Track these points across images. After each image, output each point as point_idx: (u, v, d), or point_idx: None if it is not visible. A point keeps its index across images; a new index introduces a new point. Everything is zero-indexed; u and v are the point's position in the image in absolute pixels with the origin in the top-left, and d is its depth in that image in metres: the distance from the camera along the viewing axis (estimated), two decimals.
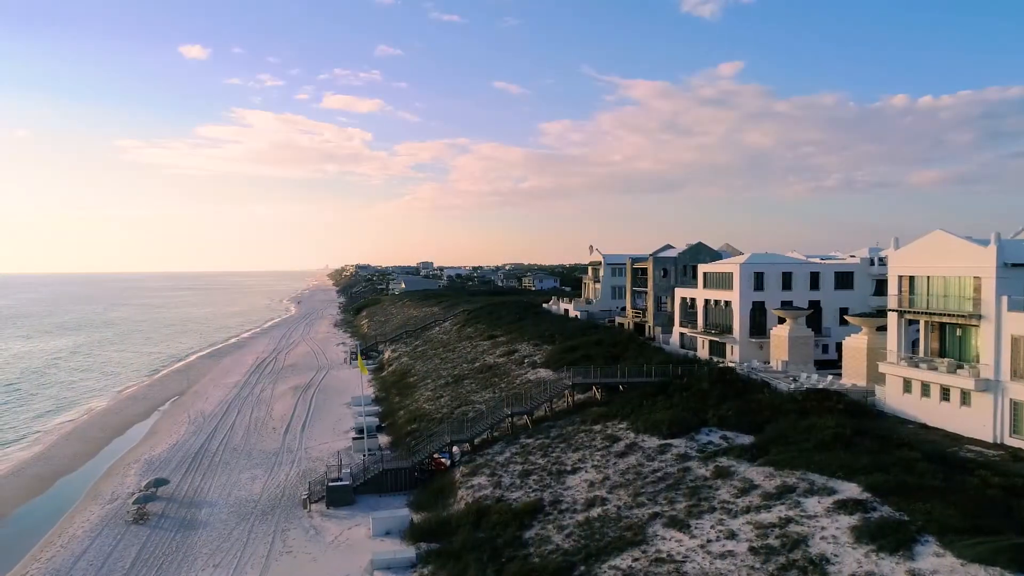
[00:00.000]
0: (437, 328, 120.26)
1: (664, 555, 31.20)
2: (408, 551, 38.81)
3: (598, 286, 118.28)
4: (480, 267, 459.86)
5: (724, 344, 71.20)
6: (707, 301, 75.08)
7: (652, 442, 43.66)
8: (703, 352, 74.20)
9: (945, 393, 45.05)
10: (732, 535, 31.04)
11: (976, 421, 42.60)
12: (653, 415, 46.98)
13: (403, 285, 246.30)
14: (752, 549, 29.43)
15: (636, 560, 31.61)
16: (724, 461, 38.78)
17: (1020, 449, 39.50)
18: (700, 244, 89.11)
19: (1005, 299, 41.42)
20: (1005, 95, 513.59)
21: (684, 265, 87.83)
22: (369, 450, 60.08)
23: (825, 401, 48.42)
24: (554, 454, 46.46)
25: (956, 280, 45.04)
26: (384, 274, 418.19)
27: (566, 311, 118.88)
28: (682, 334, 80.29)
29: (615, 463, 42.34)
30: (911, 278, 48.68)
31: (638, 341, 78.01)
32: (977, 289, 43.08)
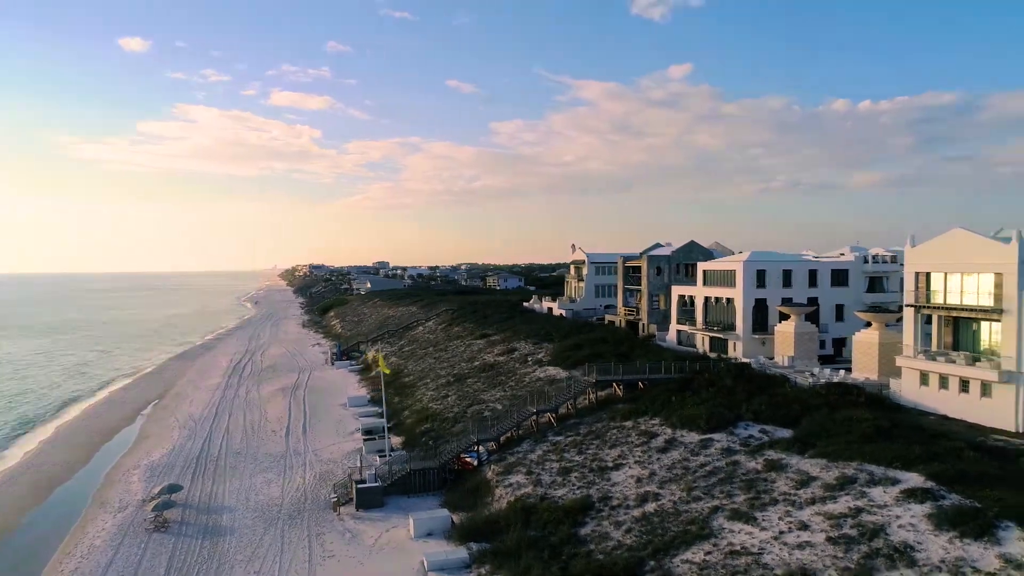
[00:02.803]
0: (421, 328, 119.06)
1: (738, 547, 31.50)
2: (460, 551, 38.26)
3: (582, 284, 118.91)
4: (437, 267, 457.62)
5: (726, 340, 72.38)
6: (707, 298, 76.19)
7: (692, 437, 44.05)
8: (703, 348, 75.28)
9: (964, 385, 46.66)
10: (804, 526, 31.53)
11: (998, 411, 44.23)
12: (686, 410, 47.39)
13: (368, 285, 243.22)
14: (830, 539, 29.94)
15: (709, 553, 31.84)
16: (772, 454, 39.38)
17: None
18: (692, 243, 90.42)
19: None
20: (939, 101, 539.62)
21: (677, 263, 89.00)
22: (380, 451, 59.17)
23: (847, 395, 49.65)
24: (590, 451, 46.45)
25: (975, 276, 46.70)
26: (343, 274, 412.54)
27: (550, 310, 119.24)
28: (679, 331, 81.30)
29: (658, 458, 42.57)
30: (928, 274, 50.25)
31: (638, 339, 78.71)
32: (998, 285, 44.75)
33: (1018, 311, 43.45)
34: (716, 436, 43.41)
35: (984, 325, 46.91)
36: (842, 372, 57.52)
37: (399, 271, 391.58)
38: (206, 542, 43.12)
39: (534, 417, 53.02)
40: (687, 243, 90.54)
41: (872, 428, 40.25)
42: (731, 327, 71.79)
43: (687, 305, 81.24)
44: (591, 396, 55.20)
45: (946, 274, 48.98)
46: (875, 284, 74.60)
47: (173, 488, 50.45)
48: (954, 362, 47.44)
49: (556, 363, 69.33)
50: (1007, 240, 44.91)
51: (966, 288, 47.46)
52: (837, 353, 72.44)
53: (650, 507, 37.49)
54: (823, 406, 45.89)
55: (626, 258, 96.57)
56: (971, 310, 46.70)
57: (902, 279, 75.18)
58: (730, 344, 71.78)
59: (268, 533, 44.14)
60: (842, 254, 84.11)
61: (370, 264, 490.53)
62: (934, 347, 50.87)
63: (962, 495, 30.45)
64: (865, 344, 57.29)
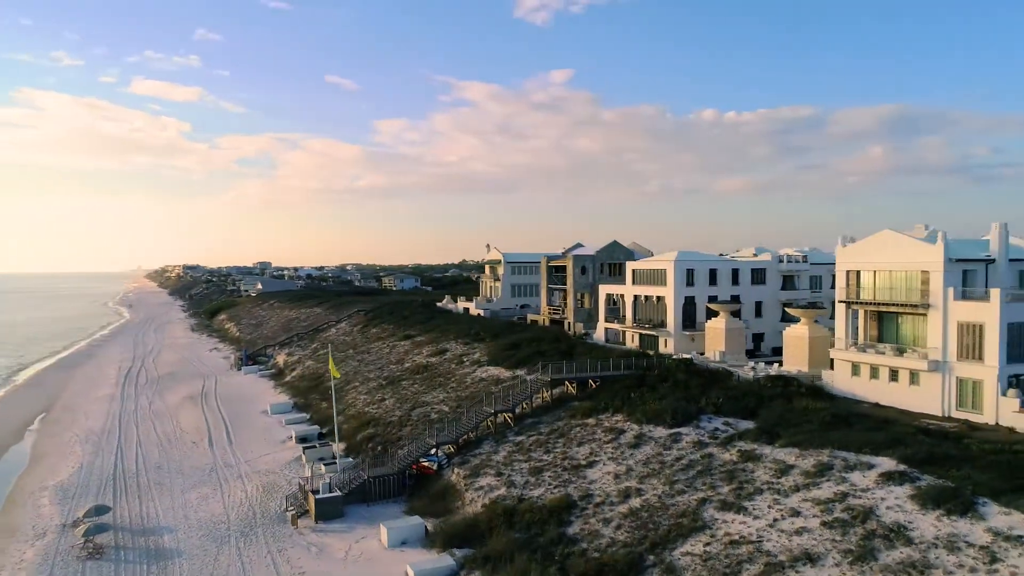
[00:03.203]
0: (333, 330, 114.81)
1: (736, 536, 32.43)
2: (444, 558, 37.08)
3: (499, 284, 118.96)
4: (323, 267, 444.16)
5: (657, 337, 74.66)
6: (637, 297, 78.28)
7: (660, 432, 45.00)
8: (632, 345, 77.25)
9: (894, 374, 50.56)
10: (796, 513, 32.92)
11: (926, 398, 48.23)
12: (647, 405, 48.36)
13: (260, 286, 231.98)
14: (825, 524, 31.42)
15: (708, 544, 32.58)
16: (743, 445, 40.90)
17: (967, 420, 45.26)
18: (615, 243, 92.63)
19: (951, 290, 47.36)
20: (796, 114, 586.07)
21: (601, 263, 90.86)
22: (323, 459, 56.54)
23: (788, 386, 52.68)
24: (557, 449, 46.41)
25: (903, 274, 50.70)
26: (224, 275, 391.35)
27: (466, 310, 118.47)
28: (607, 329, 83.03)
29: (631, 454, 43.16)
30: (858, 272, 54.02)
31: (571, 338, 79.65)
32: (925, 281, 48.84)
33: (944, 305, 47.59)
34: (683, 430, 44.59)
35: (909, 319, 51.02)
36: (776, 365, 60.79)
37: (286, 272, 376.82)
38: (153, 567, 39.35)
39: (492, 417, 52.33)
40: (610, 243, 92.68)
41: (829, 417, 42.80)
42: (662, 324, 74.12)
43: (614, 304, 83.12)
44: (544, 395, 55.20)
45: (875, 272, 52.85)
46: (788, 282, 79.44)
47: (101, 510, 45.67)
48: (883, 353, 51.30)
49: (496, 363, 68.86)
50: (932, 240, 49.08)
51: (894, 284, 51.44)
52: (756, 347, 76.46)
53: (635, 502, 37.91)
54: (776, 397, 48.32)
55: (550, 258, 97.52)
56: (900, 305, 50.62)
57: (811, 277, 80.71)
58: (661, 341, 74.10)
59: (222, 552, 40.88)
60: (737, 252, 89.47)
61: (252, 264, 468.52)
62: (860, 340, 54.76)
63: (934, 476, 32.88)
64: (796, 338, 60.80)
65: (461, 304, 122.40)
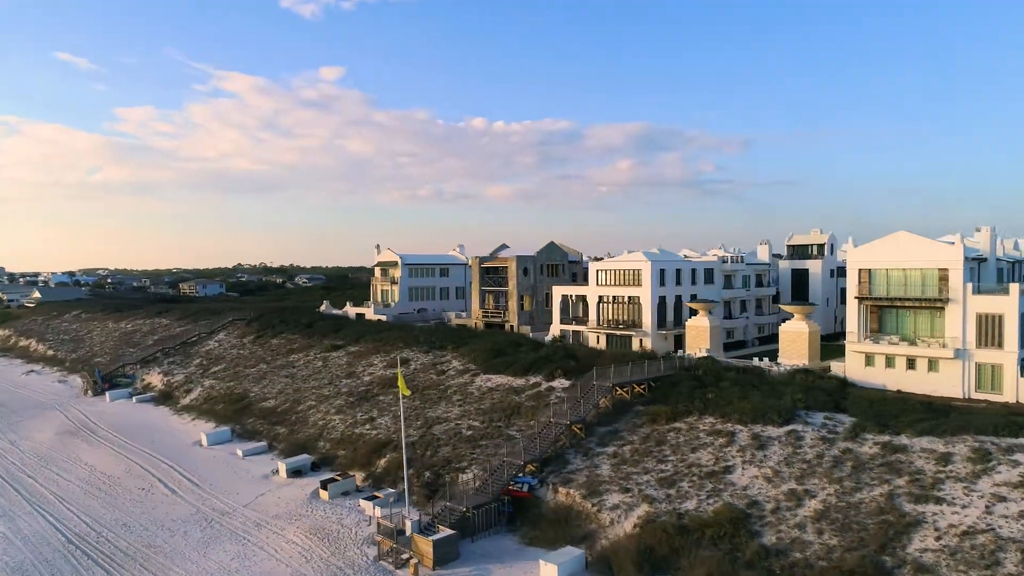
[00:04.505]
0: (212, 343, 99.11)
1: (964, 528, 33.05)
2: None
3: (395, 287, 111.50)
4: (73, 272, 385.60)
5: (630, 337, 74.74)
6: (602, 298, 77.72)
7: (774, 431, 44.70)
8: (599, 347, 76.59)
9: (911, 363, 55.58)
10: (1001, 498, 34.43)
11: (945, 383, 53.58)
12: (734, 405, 47.86)
13: (38, 295, 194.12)
14: None
15: (938, 539, 32.85)
16: (871, 438, 42.05)
17: (987, 400, 51.16)
18: (552, 244, 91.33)
19: (970, 285, 53.22)
20: (556, 127, 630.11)
21: (542, 264, 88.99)
22: (345, 493, 48.71)
23: (819, 378, 55.56)
24: (670, 457, 44.07)
25: (919, 272, 55.88)
26: None
27: (360, 315, 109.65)
28: (562, 331, 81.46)
29: (763, 456, 42.30)
30: (870, 271, 58.52)
31: (534, 341, 76.83)
32: (943, 278, 54.28)
33: (963, 300, 53.28)
34: (797, 427, 44.76)
35: (923, 312, 56.27)
36: (755, 359, 63.91)
37: (24, 277, 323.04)
38: None
39: (568, 428, 48.37)
40: (547, 244, 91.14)
41: (920, 405, 45.68)
42: (635, 324, 74.38)
43: (568, 305, 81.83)
44: (605, 401, 52.38)
45: (887, 270, 57.65)
46: (728, 281, 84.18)
47: None
48: (900, 344, 56.18)
49: (496, 371, 64.08)
50: (951, 243, 54.76)
51: (909, 281, 56.50)
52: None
53: (814, 504, 37.14)
54: (821, 390, 50.59)
55: (482, 259, 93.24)
56: (916, 300, 55.72)
57: (744, 276, 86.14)
58: (635, 341, 74.31)
59: None
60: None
61: None
62: (862, 332, 59.42)
63: None
64: (793, 334, 64.37)
65: (352, 309, 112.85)
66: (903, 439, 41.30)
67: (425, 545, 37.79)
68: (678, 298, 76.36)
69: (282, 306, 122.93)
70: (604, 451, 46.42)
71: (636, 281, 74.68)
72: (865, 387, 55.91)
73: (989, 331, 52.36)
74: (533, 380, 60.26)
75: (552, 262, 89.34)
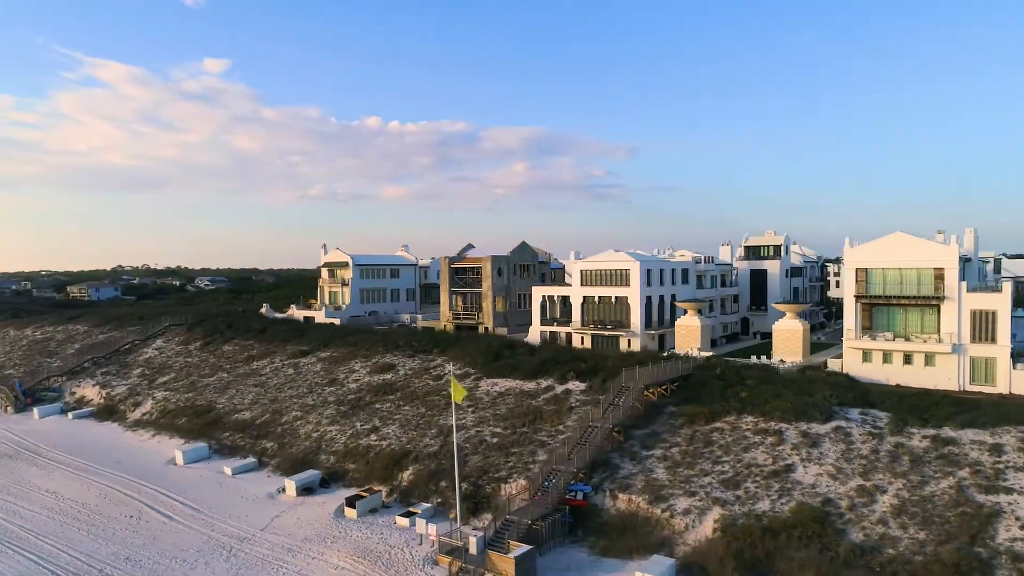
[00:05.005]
0: (151, 351, 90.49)
1: None
2: None
3: (345, 289, 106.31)
4: None
5: (617, 337, 74.36)
6: (587, 298, 76.94)
7: (819, 428, 45.20)
8: (583, 347, 75.80)
9: (907, 358, 58.15)
10: None
11: (941, 376, 56.45)
12: (776, 403, 48.13)
13: None
14: None
15: (1023, 527, 34.02)
16: (917, 431, 43.33)
17: (981, 392, 54.34)
18: (524, 244, 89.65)
19: (964, 284, 56.28)
20: (453, 128, 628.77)
21: (515, 264, 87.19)
22: (373, 510, 45.45)
23: (827, 375, 57.18)
24: (724, 458, 43.63)
25: (914, 271, 58.52)
26: None
27: (307, 318, 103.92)
28: (542, 332, 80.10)
29: (819, 453, 42.62)
30: (867, 270, 60.76)
31: (526, 343, 75.04)
32: (939, 277, 57.11)
33: (958, 297, 56.28)
34: (841, 424, 45.49)
35: (915, 310, 59.01)
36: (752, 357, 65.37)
37: None
38: None
39: (611, 432, 47.03)
40: (519, 245, 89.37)
41: (943, 399, 47.65)
42: (624, 324, 74.11)
43: (547, 306, 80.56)
44: (637, 403, 51.40)
45: (884, 269, 60.07)
46: (700, 280, 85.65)
47: None
48: (891, 340, 58.68)
49: (499, 375, 61.81)
50: (946, 243, 57.68)
51: (905, 280, 59.10)
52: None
53: (889, 500, 37.68)
54: (835, 385, 52.00)
55: (452, 259, 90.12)
56: (911, 298, 58.36)
57: (713, 276, 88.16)
58: (623, 341, 74.01)
59: None
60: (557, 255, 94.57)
61: None
62: (856, 330, 61.73)
63: None
64: (788, 331, 66.02)
65: (298, 312, 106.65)
66: (947, 432, 42.79)
67: (505, 563, 35.36)
68: (662, 298, 76.78)
69: (214, 311, 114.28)
70: (651, 454, 45.46)
71: (624, 281, 74.44)
72: (863, 382, 58.00)
73: (983, 327, 55.54)
74: (545, 383, 58.57)
75: (524, 262, 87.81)
